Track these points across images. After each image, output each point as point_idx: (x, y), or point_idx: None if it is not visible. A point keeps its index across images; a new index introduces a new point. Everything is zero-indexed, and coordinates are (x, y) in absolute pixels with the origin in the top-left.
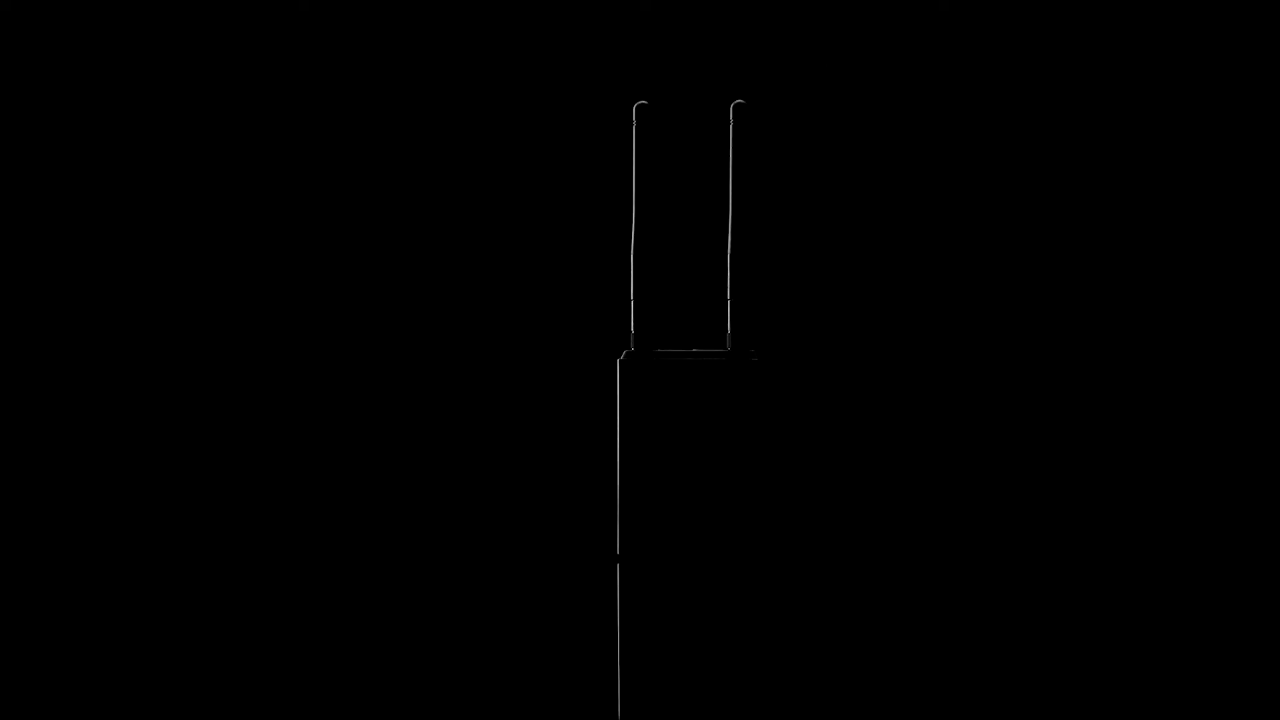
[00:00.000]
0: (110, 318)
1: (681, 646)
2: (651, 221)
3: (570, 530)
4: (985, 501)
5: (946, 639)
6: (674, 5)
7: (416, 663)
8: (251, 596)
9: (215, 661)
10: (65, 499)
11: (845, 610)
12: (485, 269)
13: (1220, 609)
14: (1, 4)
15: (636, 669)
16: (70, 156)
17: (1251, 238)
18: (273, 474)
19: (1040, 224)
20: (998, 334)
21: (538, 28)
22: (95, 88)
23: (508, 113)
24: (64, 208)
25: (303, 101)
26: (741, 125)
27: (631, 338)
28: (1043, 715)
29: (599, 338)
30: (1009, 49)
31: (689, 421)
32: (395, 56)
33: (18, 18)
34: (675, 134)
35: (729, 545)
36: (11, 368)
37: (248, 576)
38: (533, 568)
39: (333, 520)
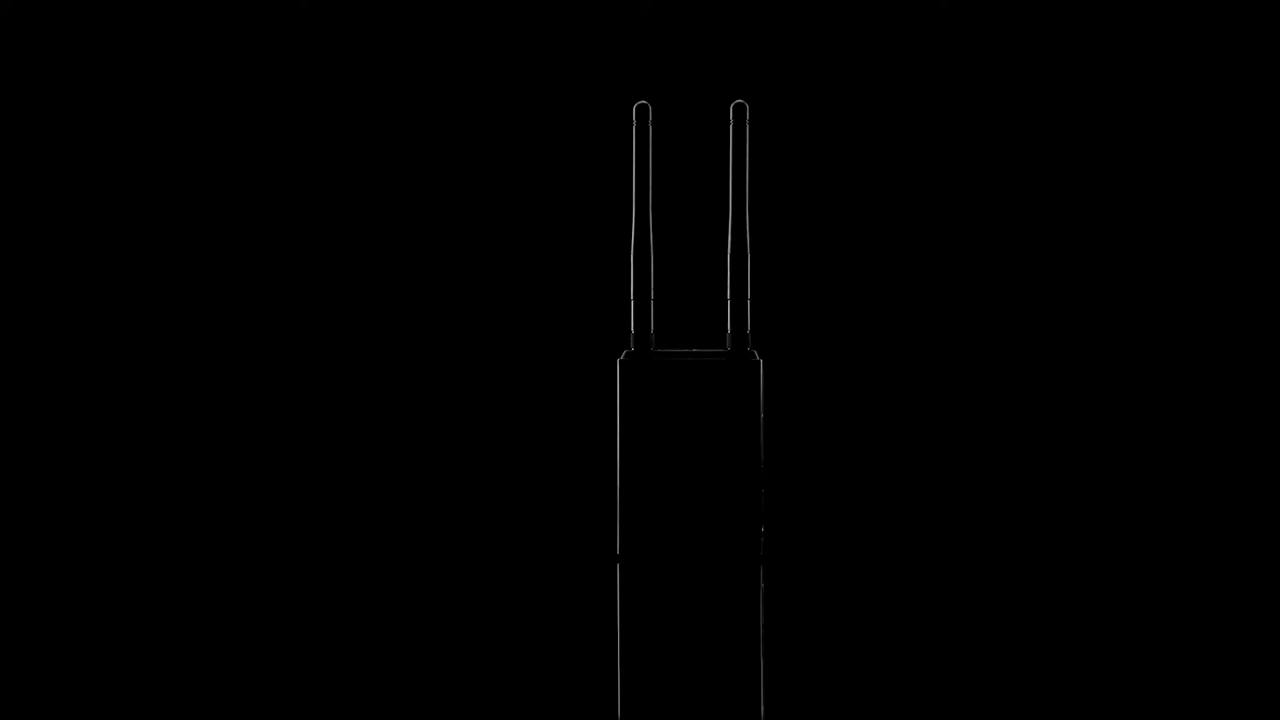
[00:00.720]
0: (118, 319)
1: (682, 646)
2: (651, 221)
3: (570, 530)
4: (986, 500)
5: (947, 638)
6: (674, 5)
7: (416, 662)
8: (250, 594)
9: (215, 661)
10: (62, 498)
11: (845, 609)
12: (486, 269)
13: (1220, 609)
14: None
15: (636, 669)
16: (62, 157)
17: (1251, 238)
18: (271, 472)
19: (1040, 225)
20: (999, 334)
21: (537, 28)
22: (86, 89)
23: (507, 113)
24: (56, 209)
25: (302, 102)
26: (741, 125)
27: (631, 338)
28: (1044, 714)
29: (599, 338)
30: (1009, 49)
31: (689, 421)
32: (394, 58)
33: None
34: (675, 134)
35: (729, 545)
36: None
37: (247, 575)
38: (533, 567)
39: (333, 519)
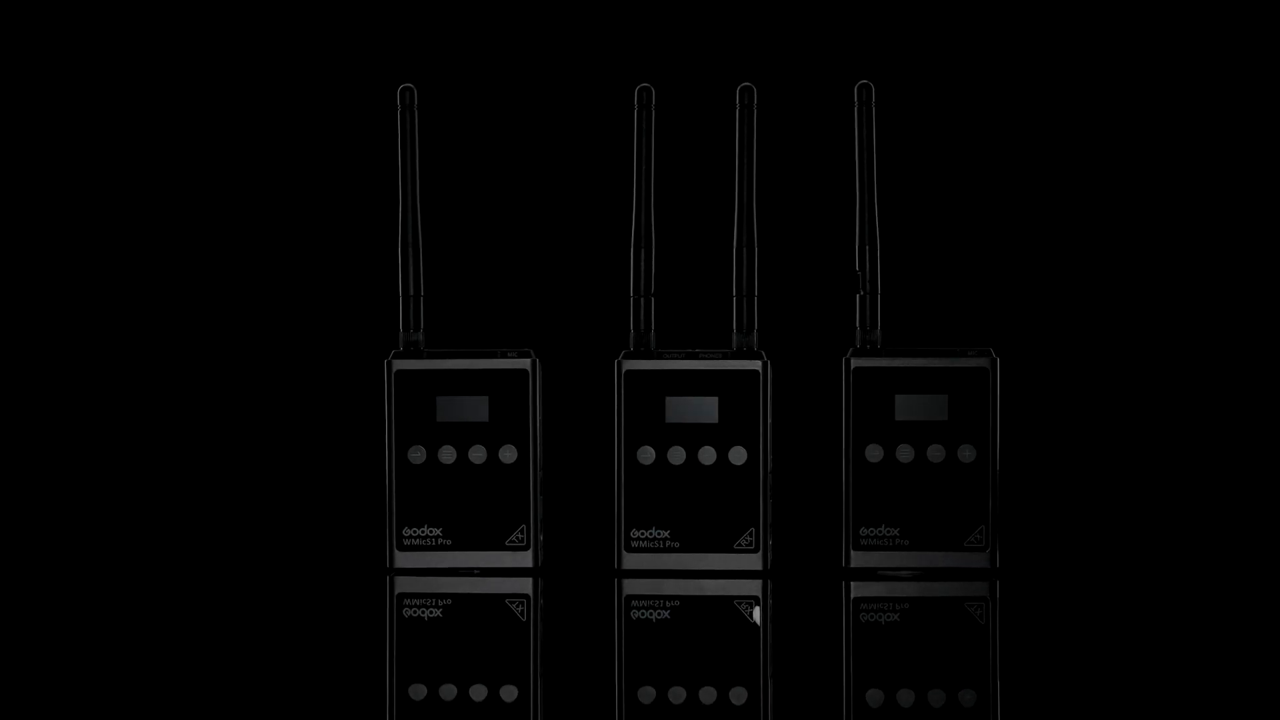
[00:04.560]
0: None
1: (680, 646)
2: (654, 214)
3: (570, 529)
4: (987, 498)
5: (953, 636)
6: None
7: (416, 660)
8: (247, 590)
9: (213, 657)
10: None
11: (846, 608)
12: (486, 269)
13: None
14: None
15: (636, 671)
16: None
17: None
18: (268, 470)
19: (1045, 225)
20: (1001, 332)
21: (536, 19)
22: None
23: (507, 111)
24: None
25: (302, 99)
26: (748, 110)
27: (631, 338)
28: (1047, 709)
29: (597, 338)
30: (1014, 50)
31: (690, 422)
32: (392, 53)
33: None
34: (679, 120)
35: (729, 545)
36: None
37: (242, 570)
38: (532, 567)
39: (336, 516)
